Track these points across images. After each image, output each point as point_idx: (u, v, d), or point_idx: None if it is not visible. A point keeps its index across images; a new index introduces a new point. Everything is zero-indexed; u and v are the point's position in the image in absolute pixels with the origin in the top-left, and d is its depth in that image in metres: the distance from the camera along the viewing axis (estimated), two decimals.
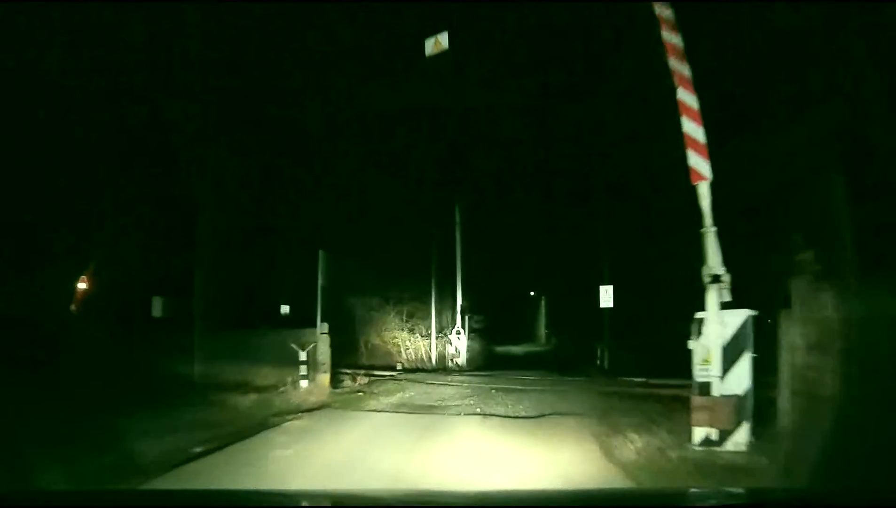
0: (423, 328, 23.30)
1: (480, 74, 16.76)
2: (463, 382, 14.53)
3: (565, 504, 3.24)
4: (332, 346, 12.84)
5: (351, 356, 21.09)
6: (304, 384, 12.21)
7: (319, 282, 13.23)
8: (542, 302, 49.77)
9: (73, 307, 16.45)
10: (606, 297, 18.09)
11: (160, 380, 12.80)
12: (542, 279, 43.21)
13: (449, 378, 15.33)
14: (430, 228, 23.35)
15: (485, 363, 23.40)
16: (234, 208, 19.33)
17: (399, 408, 10.48)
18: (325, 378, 12.56)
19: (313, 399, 11.71)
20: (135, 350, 14.59)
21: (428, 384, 14.34)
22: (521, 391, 12.36)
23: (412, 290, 24.44)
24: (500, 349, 32.48)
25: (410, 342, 23.26)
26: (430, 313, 23.37)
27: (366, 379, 15.28)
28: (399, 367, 19.91)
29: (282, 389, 12.34)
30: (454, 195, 23.63)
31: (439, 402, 11.16)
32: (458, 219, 23.34)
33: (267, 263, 23.07)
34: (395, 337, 23.37)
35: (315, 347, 12.46)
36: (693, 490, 4.81)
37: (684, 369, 7.44)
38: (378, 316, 26.38)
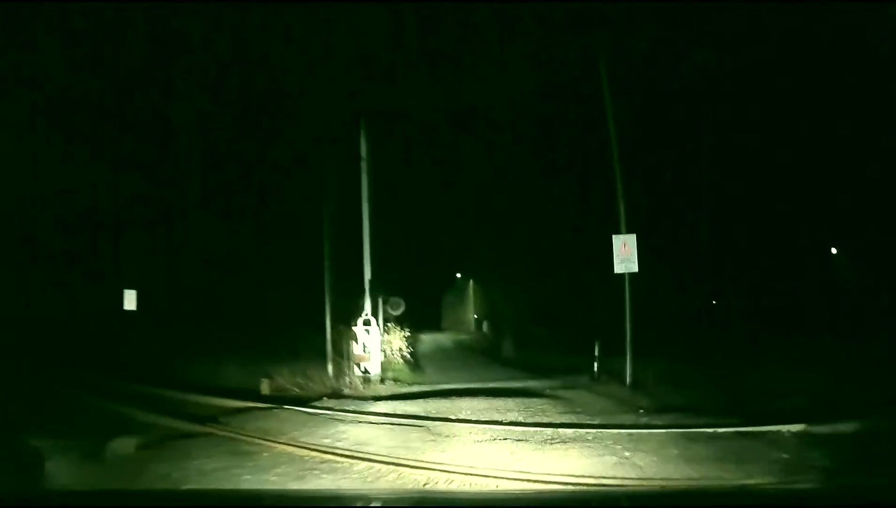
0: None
1: None
2: (373, 456, 5.41)
3: (565, 504, 2.98)
4: None
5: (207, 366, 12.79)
6: None
7: None
8: (470, 285, 43.66)
9: None
10: (625, 254, 9.44)
11: None
12: (471, 259, 35.64)
13: (333, 437, 6.18)
14: (322, 159, 14.06)
15: (411, 368, 14.54)
16: None
17: None
18: None
19: None
20: None
21: (272, 459, 5.23)
22: None
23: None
24: (425, 337, 26.48)
25: None
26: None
27: (133, 443, 6.01)
28: (265, 389, 10.62)
29: None
30: (359, 112, 14.38)
31: None
32: (364, 150, 14.10)
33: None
34: None
35: None
36: (693, 490, 4.27)
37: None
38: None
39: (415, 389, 10.30)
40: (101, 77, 15.03)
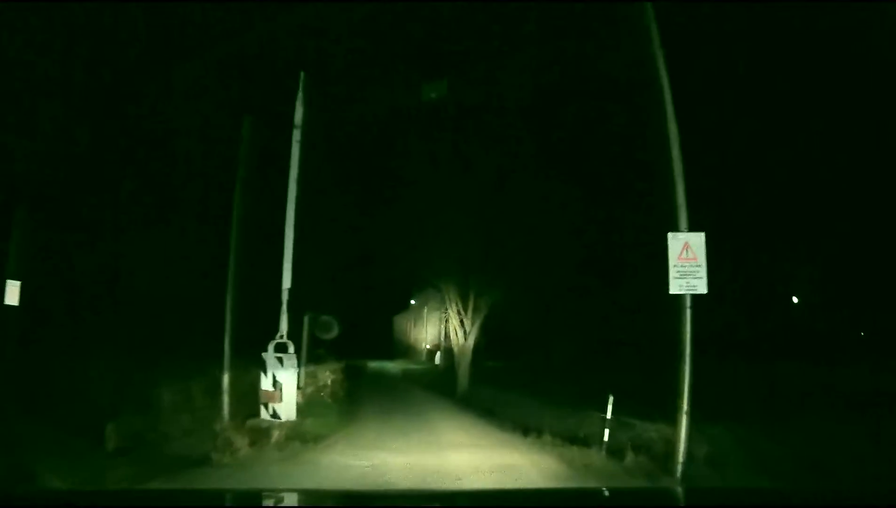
0: None
1: None
2: None
3: (563, 504, 2.86)
4: None
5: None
6: None
7: None
8: (425, 311, 40.72)
9: None
10: (687, 263, 5.65)
11: None
12: (429, 283, 31.72)
13: None
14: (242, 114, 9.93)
15: (339, 413, 10.48)
16: None
17: None
18: None
19: None
20: None
21: None
22: None
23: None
24: (373, 365, 25.36)
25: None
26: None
27: None
28: (109, 441, 6.32)
29: None
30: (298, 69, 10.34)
31: None
32: (299, 117, 10.05)
33: None
34: None
35: None
36: (689, 490, 4.32)
37: None
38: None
39: (327, 462, 6.18)
40: None
